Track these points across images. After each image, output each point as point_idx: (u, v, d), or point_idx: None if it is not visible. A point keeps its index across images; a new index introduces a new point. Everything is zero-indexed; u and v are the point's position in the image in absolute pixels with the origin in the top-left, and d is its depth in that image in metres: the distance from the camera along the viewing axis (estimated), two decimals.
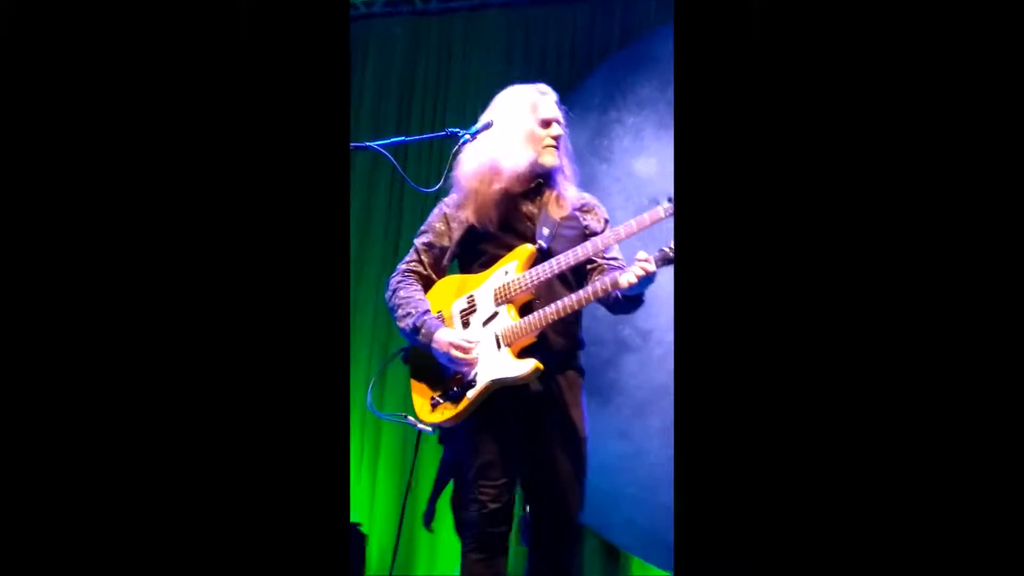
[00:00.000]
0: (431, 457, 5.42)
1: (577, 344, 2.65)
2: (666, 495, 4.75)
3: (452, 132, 2.64)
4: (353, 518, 5.24)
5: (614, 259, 2.63)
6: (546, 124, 2.62)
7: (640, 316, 4.94)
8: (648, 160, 5.13)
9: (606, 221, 2.69)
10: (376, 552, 5.26)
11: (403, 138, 2.74)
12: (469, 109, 5.67)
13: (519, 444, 2.55)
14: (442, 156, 5.91)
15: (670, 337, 4.82)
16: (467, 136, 2.60)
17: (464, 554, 2.53)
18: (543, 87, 2.69)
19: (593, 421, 4.85)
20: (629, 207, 5.05)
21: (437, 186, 2.69)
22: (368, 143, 2.53)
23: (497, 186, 2.57)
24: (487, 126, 2.62)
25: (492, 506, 2.49)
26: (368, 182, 5.76)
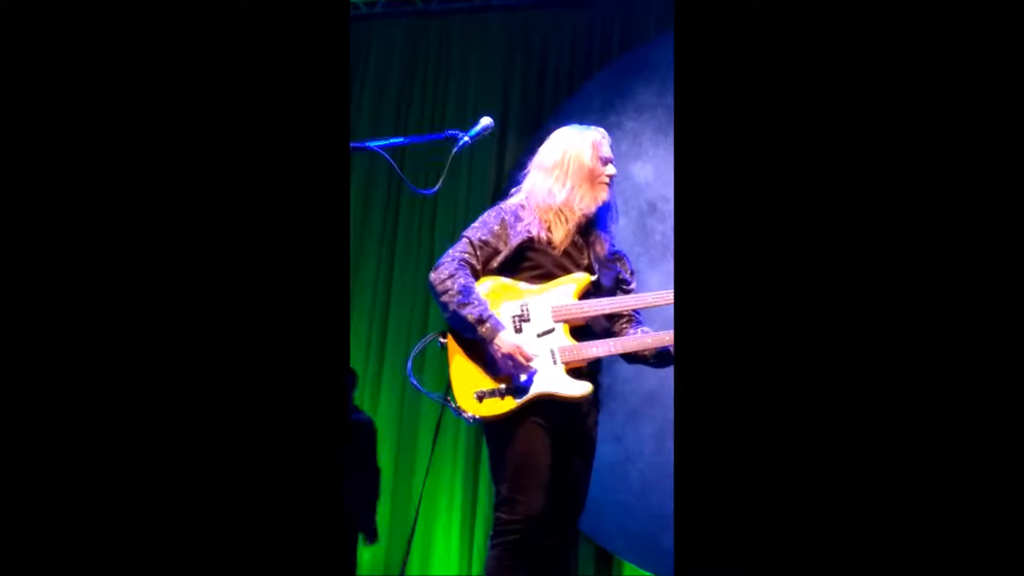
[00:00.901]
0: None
1: (602, 362, 2.77)
2: (658, 500, 4.78)
3: (451, 134, 2.64)
4: None
5: (636, 311, 2.78)
6: (605, 163, 2.75)
7: None
8: (645, 165, 5.14)
9: (632, 272, 2.85)
10: (368, 551, 5.26)
11: (402, 139, 2.73)
12: (468, 111, 5.68)
13: (551, 451, 2.62)
14: (441, 158, 5.91)
15: None
16: (466, 139, 2.60)
17: (496, 557, 2.55)
18: (602, 130, 2.83)
19: None
20: (628, 211, 5.06)
21: (435, 188, 2.69)
22: (366, 143, 2.53)
23: (570, 220, 2.71)
24: (486, 128, 2.63)
25: (533, 511, 2.53)
26: (365, 182, 5.76)
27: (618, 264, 2.80)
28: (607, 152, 2.75)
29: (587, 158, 2.71)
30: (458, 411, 2.58)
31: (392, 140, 2.62)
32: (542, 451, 2.58)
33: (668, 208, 5.01)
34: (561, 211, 2.68)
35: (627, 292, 2.77)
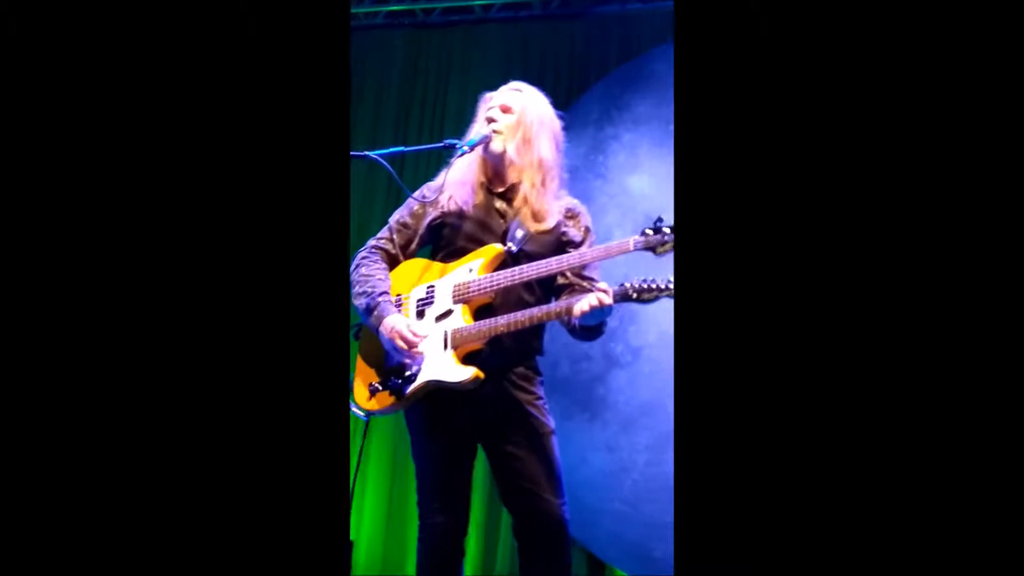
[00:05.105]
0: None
1: (532, 349, 2.57)
2: (651, 510, 4.80)
3: (450, 143, 2.65)
4: None
5: (590, 279, 2.56)
6: (488, 121, 2.63)
7: (631, 333, 4.98)
8: (642, 177, 5.16)
9: (587, 229, 2.63)
10: (364, 558, 5.26)
11: (401, 148, 2.75)
12: (467, 121, 5.68)
13: (475, 448, 2.53)
14: (439, 167, 5.92)
15: (659, 354, 4.84)
16: (465, 148, 2.60)
17: (418, 564, 2.51)
18: (509, 84, 2.71)
19: (580, 436, 4.91)
20: (625, 223, 5.08)
21: (433, 197, 2.70)
22: (366, 152, 2.55)
23: (469, 183, 2.58)
24: (485, 138, 2.62)
25: (448, 515, 2.48)
26: (364, 192, 5.78)
27: (568, 223, 2.59)
28: (489, 106, 2.65)
29: (479, 117, 2.65)
30: (350, 406, 2.48)
31: (392, 149, 2.64)
32: (444, 450, 2.47)
33: (667, 220, 5.01)
34: (465, 172, 2.59)
35: None
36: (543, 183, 2.58)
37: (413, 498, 5.19)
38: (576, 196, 2.76)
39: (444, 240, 2.60)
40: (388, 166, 2.52)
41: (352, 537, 5.02)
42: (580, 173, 5.12)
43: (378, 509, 5.35)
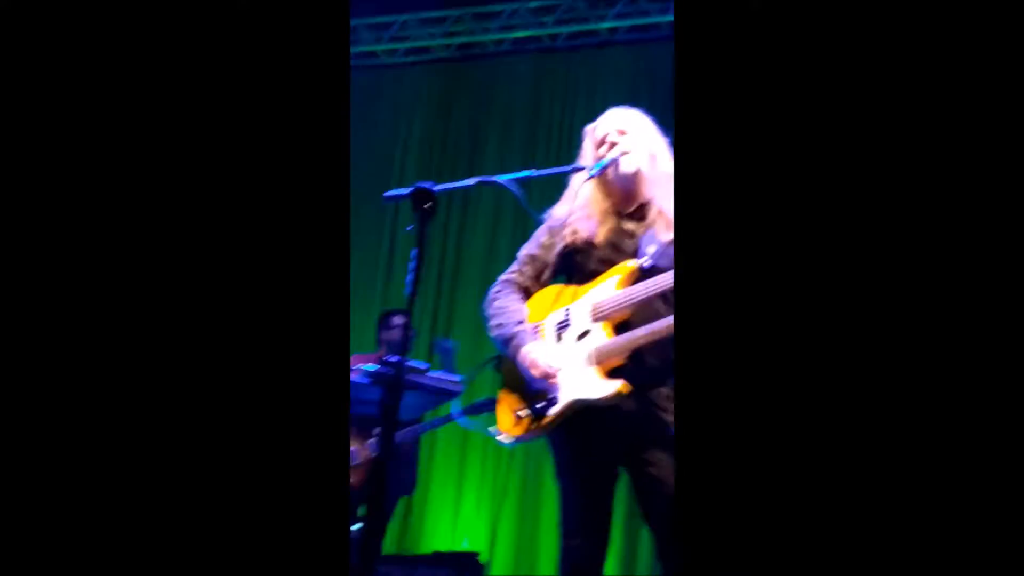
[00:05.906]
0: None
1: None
2: None
3: (579, 167, 2.65)
4: (472, 547, 5.28)
5: None
6: (600, 144, 2.61)
7: None
8: None
9: None
10: (497, 573, 5.31)
11: (529, 172, 2.76)
12: None
13: (617, 473, 2.52)
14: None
15: None
16: (594, 170, 2.59)
17: None
18: (610, 111, 2.69)
19: None
20: None
21: (559, 226, 2.68)
22: (494, 178, 2.56)
23: (595, 213, 2.59)
24: (613, 161, 2.59)
25: (588, 538, 2.47)
26: (493, 218, 5.85)
27: None
28: (601, 131, 2.62)
29: (585, 148, 2.63)
30: (496, 434, 2.49)
31: (520, 174, 2.65)
32: (587, 474, 2.47)
33: None
34: (587, 205, 2.59)
35: None
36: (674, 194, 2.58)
37: (545, 517, 5.22)
38: None
39: (577, 266, 2.61)
40: (515, 190, 2.52)
41: (484, 559, 5.06)
42: None
43: (511, 527, 5.39)
